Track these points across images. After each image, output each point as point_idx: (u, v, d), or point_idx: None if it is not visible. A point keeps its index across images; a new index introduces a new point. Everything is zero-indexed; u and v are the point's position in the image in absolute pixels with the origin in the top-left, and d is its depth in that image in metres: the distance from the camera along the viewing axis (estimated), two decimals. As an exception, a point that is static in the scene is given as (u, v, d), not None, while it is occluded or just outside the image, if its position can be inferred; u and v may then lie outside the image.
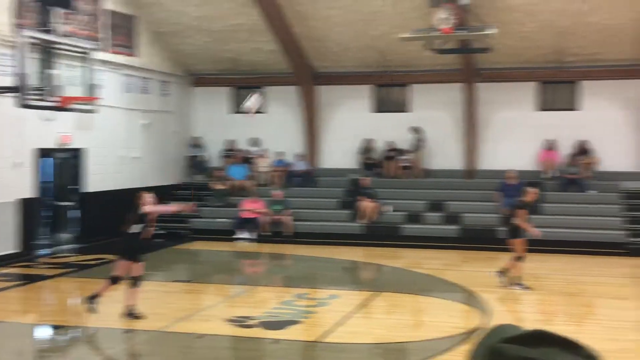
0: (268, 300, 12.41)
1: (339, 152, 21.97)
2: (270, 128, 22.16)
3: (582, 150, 19.95)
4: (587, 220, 18.35)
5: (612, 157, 19.93)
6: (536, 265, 15.31)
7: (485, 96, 20.83)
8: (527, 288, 12.79)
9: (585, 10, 17.83)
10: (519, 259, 12.86)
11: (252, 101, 14.94)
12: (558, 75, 20.25)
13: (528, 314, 11.76)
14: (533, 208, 13.43)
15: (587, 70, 19.91)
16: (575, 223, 18.22)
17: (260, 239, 18.96)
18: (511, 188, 19.12)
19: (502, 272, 13.01)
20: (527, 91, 20.73)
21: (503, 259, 13.49)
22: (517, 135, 20.62)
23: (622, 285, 14.00)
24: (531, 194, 13.13)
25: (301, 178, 21.37)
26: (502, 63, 20.18)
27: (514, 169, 19.35)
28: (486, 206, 19.29)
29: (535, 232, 13.03)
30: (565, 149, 20.16)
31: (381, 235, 19.01)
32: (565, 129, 20.21)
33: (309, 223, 19.51)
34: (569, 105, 20.62)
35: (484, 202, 19.44)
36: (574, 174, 19.47)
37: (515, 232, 12.96)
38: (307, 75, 21.76)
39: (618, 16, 17.92)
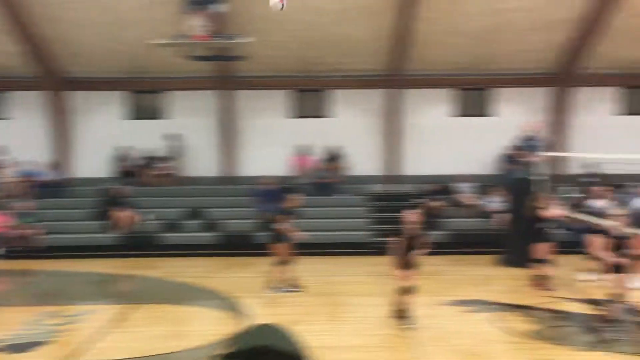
0: (13, 321, 11.52)
1: (93, 161, 21.07)
2: (16, 136, 20.68)
3: (333, 156, 21.02)
4: (338, 223, 19.37)
5: (359, 162, 21.23)
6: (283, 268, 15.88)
7: (242, 103, 21.17)
8: (297, 290, 13.29)
9: (329, 22, 18.82)
10: (282, 263, 13.26)
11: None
12: (309, 83, 21.16)
13: (286, 315, 12.10)
14: (296, 213, 13.89)
15: (334, 79, 21.02)
16: (329, 225, 19.12)
17: (8, 255, 17.58)
18: (268, 193, 19.62)
19: (270, 280, 13.34)
20: (282, 99, 21.41)
21: (263, 264, 13.79)
22: (273, 141, 21.21)
23: (367, 282, 14.92)
24: (294, 199, 13.61)
25: (51, 188, 20.15)
26: (257, 71, 20.64)
27: (270, 175, 19.88)
28: (245, 212, 19.59)
29: (300, 236, 13.49)
30: (317, 155, 21.09)
31: (139, 245, 18.55)
32: (316, 135, 21.15)
33: (61, 236, 18.48)
34: (320, 112, 21.62)
35: (242, 208, 19.72)
36: (326, 179, 20.44)
37: (279, 237, 13.33)
38: (56, 80, 20.62)
39: (359, 29, 19.15)
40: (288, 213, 13.56)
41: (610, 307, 9.75)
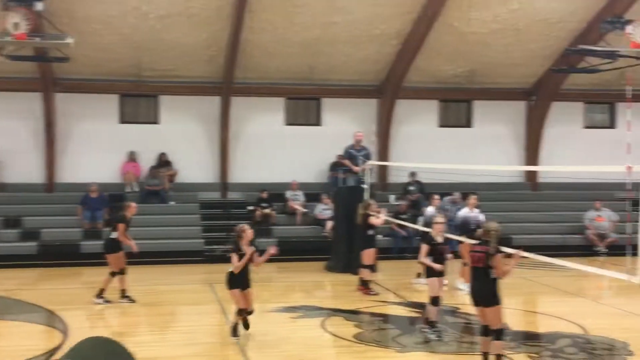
0: None
1: None
2: None
3: (163, 163, 20.62)
4: (169, 231, 19.02)
5: (190, 169, 20.99)
6: (116, 277, 15.36)
7: (66, 107, 20.24)
8: (130, 301, 12.82)
9: (159, 28, 18.51)
10: (115, 273, 12.77)
11: None
12: (138, 88, 20.63)
13: (109, 327, 11.69)
14: (130, 221, 13.39)
15: (165, 85, 20.65)
16: (157, 234, 18.72)
17: None
18: (93, 201, 18.94)
19: (100, 292, 12.76)
20: (109, 103, 20.68)
21: (89, 274, 13.25)
22: (100, 147, 20.44)
23: (198, 291, 14.78)
24: (131, 208, 13.17)
25: None
26: (82, 74, 19.84)
27: (96, 182, 19.16)
28: (67, 220, 18.76)
29: (133, 246, 13.07)
30: (146, 162, 20.59)
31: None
32: (146, 141, 20.66)
33: None
34: (150, 118, 21.13)
35: (65, 217, 18.87)
36: (156, 186, 20.01)
37: (112, 246, 12.84)
38: None
39: (191, 36, 18.98)
40: (124, 221, 13.04)
41: (431, 310, 10.29)
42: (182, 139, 20.91)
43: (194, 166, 21.05)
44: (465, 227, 13.74)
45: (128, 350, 1.58)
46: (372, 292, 13.79)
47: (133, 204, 13.46)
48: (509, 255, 8.75)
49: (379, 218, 14.07)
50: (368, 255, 14.05)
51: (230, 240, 10.23)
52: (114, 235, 12.92)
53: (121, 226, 12.93)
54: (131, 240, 13.12)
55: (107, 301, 12.78)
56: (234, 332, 10.13)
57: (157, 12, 18.07)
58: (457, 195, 17.90)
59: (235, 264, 9.96)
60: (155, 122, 21.08)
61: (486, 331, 8.37)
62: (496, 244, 8.26)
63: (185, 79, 20.59)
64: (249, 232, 10.13)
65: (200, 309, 12.84)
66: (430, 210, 15.77)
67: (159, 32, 18.70)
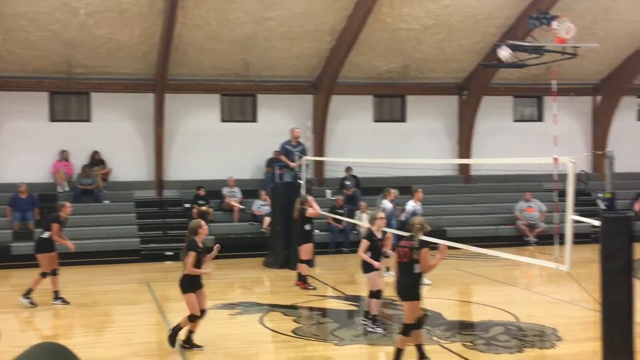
0: None
1: None
2: None
3: (96, 161, 20.26)
4: (103, 230, 18.72)
5: (124, 167, 20.68)
6: (50, 279, 15.07)
7: (-7, 105, 19.68)
8: (65, 302, 12.58)
9: (90, 24, 18.17)
10: (45, 274, 12.53)
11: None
12: (69, 86, 20.19)
13: (43, 330, 11.47)
14: (65, 221, 13.10)
15: (97, 82, 20.28)
16: (91, 233, 18.42)
17: None
18: (23, 202, 18.50)
19: (28, 293, 12.44)
20: (39, 101, 20.19)
21: (17, 276, 12.94)
22: (30, 146, 19.92)
23: (134, 290, 14.63)
24: (66, 208, 12.91)
25: None
26: (9, 71, 19.35)
27: (25, 182, 18.71)
28: (-3, 222, 18.27)
29: (70, 246, 12.86)
30: (79, 160, 20.19)
31: None
32: (78, 140, 20.27)
33: None
34: (82, 116, 20.73)
35: (-6, 218, 18.37)
36: (89, 185, 19.65)
37: (43, 246, 12.60)
38: None
39: (123, 32, 18.70)
40: (59, 222, 12.76)
41: (372, 303, 10.42)
42: (115, 137, 20.58)
43: (129, 164, 20.75)
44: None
45: (77, 357, 1.61)
46: (310, 287, 13.88)
47: (67, 204, 13.19)
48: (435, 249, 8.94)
49: (313, 212, 14.09)
50: (305, 250, 14.13)
51: (185, 238, 9.46)
52: (46, 235, 12.66)
53: (55, 226, 12.66)
54: (67, 240, 12.88)
55: (33, 303, 12.42)
56: (189, 343, 9.44)
57: (88, 7, 17.75)
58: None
59: (190, 266, 9.12)
60: (87, 120, 20.68)
61: (417, 322, 8.47)
62: (420, 238, 8.35)
63: (117, 75, 20.25)
64: (205, 227, 9.46)
65: (137, 309, 12.72)
66: (411, 204, 15.64)
67: (89, 28, 18.36)
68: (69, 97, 20.80)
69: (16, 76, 19.59)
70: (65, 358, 1.49)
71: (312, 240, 14.53)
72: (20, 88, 19.81)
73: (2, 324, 11.14)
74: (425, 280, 13.72)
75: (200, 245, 9.35)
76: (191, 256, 9.13)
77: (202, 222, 9.53)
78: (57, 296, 12.69)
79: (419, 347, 8.49)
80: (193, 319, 9.35)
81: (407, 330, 8.27)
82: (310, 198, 14.44)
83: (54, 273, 12.69)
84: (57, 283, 12.74)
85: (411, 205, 14.70)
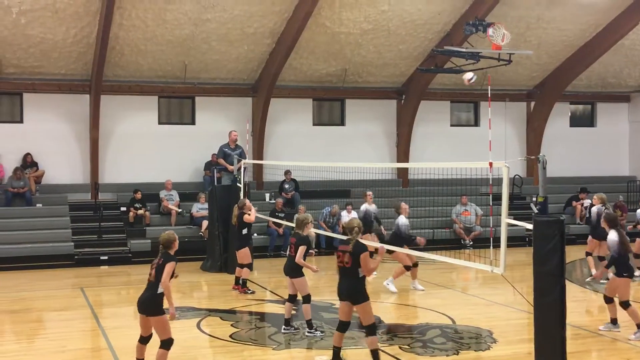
0: None
1: None
2: None
3: (28, 163, 19.72)
4: (36, 234, 18.24)
5: (58, 170, 20.19)
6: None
7: None
8: None
9: (23, 23, 17.70)
10: None
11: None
12: (2, 86, 19.63)
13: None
14: None
15: (30, 82, 19.75)
16: (23, 238, 17.95)
17: None
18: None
19: None
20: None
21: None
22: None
23: (68, 296, 14.28)
24: None
25: None
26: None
27: (-46, 185, 18.09)
28: None
29: None
30: (10, 163, 19.62)
31: None
32: (10, 141, 19.72)
33: None
34: (14, 117, 20.18)
35: None
36: (21, 188, 19.10)
37: None
38: None
39: (57, 32, 18.27)
40: None
41: (304, 309, 10.41)
42: (49, 139, 20.08)
43: (63, 167, 20.27)
44: (366, 220, 14.78)
45: None
46: (248, 291, 13.78)
47: None
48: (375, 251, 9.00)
49: (251, 216, 14.04)
50: (244, 254, 14.02)
51: (159, 250, 8.38)
52: None
53: None
54: None
55: None
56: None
57: (21, 6, 17.28)
58: (336, 207, 19.28)
59: (166, 283, 8.02)
60: (19, 121, 20.12)
61: (342, 326, 8.62)
62: (359, 240, 8.44)
63: (51, 76, 19.77)
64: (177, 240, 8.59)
65: (70, 314, 12.40)
66: (365, 206, 16.21)
67: (22, 27, 17.87)
68: (0, 97, 20.20)
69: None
70: None
71: (249, 245, 14.44)
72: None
73: None
74: (418, 286, 13.90)
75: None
76: (170, 269, 8.12)
77: (175, 236, 8.58)
78: None
79: (337, 350, 8.69)
80: (169, 344, 8.09)
81: (373, 330, 8.41)
82: (248, 203, 14.34)
83: None
84: None
85: (365, 205, 15.67)
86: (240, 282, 13.92)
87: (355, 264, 8.29)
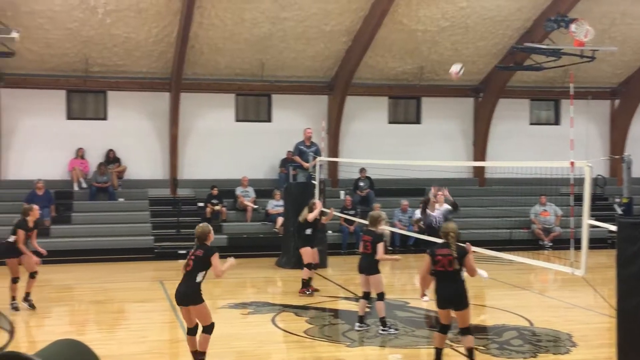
0: None
1: None
2: None
3: (112, 159, 20.35)
4: (118, 228, 18.80)
5: (139, 166, 20.76)
6: (64, 276, 15.19)
7: (11, 103, 19.83)
8: (32, 307, 11.97)
9: (108, 23, 18.26)
10: (15, 280, 11.85)
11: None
12: (86, 84, 20.31)
13: (57, 326, 11.52)
14: (38, 227, 12.54)
15: (113, 80, 20.37)
16: (106, 231, 18.52)
17: None
18: (39, 198, 18.58)
19: (13, 299, 11.92)
20: (56, 99, 20.31)
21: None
22: (47, 144, 20.07)
23: (148, 288, 14.66)
24: (34, 211, 12.17)
25: None
26: (27, 69, 19.48)
27: (42, 179, 18.80)
28: (13, 218, 18.27)
29: (40, 250, 12.22)
30: (95, 158, 20.30)
31: None
32: (94, 138, 20.38)
33: None
34: (98, 114, 20.85)
35: (10, 214, 18.40)
36: (104, 183, 19.74)
37: (7, 251, 11.86)
38: None
39: (140, 31, 18.77)
40: (22, 227, 11.88)
41: (378, 307, 10.38)
42: (131, 135, 20.67)
43: (143, 162, 20.83)
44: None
45: (94, 353, 1.67)
46: (307, 292, 13.40)
47: (35, 208, 12.37)
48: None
49: (312, 214, 13.66)
50: (303, 252, 13.78)
51: (195, 243, 8.54)
52: (11, 239, 11.86)
53: (20, 233, 11.80)
54: (28, 252, 11.96)
55: (32, 306, 11.97)
56: None
57: (106, 6, 17.83)
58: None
59: (221, 271, 8.42)
60: (103, 118, 20.78)
61: (444, 329, 8.36)
62: (457, 244, 8.20)
63: (134, 74, 20.34)
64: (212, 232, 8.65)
65: (150, 306, 12.74)
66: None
67: (107, 27, 18.44)
68: (86, 96, 20.91)
69: (34, 74, 19.72)
70: (83, 354, 1.52)
71: (312, 244, 13.91)
72: (38, 86, 19.94)
73: (17, 319, 11.22)
74: (483, 273, 13.16)
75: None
76: (218, 256, 8.35)
77: (210, 227, 8.67)
78: (26, 297, 11.99)
79: (439, 351, 8.48)
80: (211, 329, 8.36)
81: (469, 330, 8.30)
82: (318, 203, 14.19)
83: (31, 276, 11.99)
84: (31, 285, 12.06)
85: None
86: (303, 282, 13.53)
87: (458, 268, 8.11)
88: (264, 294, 14.25)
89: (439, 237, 8.86)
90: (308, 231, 13.86)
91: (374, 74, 21.59)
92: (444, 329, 8.39)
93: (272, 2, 18.43)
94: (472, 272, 8.31)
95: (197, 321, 8.43)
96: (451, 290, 8.15)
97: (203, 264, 8.35)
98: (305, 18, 19.09)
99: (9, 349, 9.46)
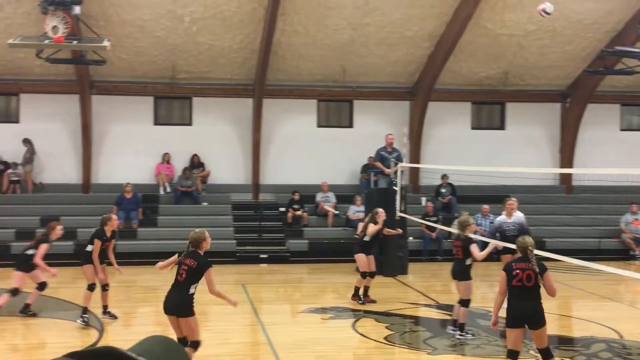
0: None
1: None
2: None
3: (196, 164, 20.80)
4: (201, 231, 19.13)
5: (222, 171, 21.14)
6: (150, 277, 15.57)
7: (101, 109, 20.54)
8: (113, 317, 11.87)
9: (194, 31, 18.70)
10: (91, 287, 11.50)
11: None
12: (173, 90, 20.84)
13: (143, 326, 11.83)
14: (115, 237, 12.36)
15: (198, 87, 20.83)
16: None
17: None
18: (128, 201, 19.17)
19: (105, 308, 11.85)
20: (144, 105, 20.93)
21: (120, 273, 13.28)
22: (135, 148, 20.69)
23: (230, 291, 14.76)
24: (112, 221, 11.64)
25: None
26: (117, 76, 20.13)
27: (130, 183, 19.39)
28: (103, 220, 18.97)
29: (101, 277, 11.52)
30: (180, 163, 20.80)
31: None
32: (180, 143, 20.87)
33: None
34: (183, 120, 21.35)
35: (100, 217, 19.03)
36: (188, 187, 20.19)
37: (86, 258, 11.52)
38: None
39: (225, 39, 19.14)
40: (99, 237, 11.46)
41: (461, 311, 10.24)
42: (214, 141, 21.08)
43: (226, 167, 21.20)
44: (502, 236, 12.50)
45: (185, 351, 1.73)
46: (359, 301, 12.98)
47: (114, 217, 11.91)
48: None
49: (375, 226, 13.13)
50: (359, 260, 13.39)
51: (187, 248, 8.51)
52: (89, 248, 11.53)
53: (97, 243, 11.37)
54: (98, 265, 11.43)
55: (113, 316, 11.87)
56: None
57: (192, 15, 18.26)
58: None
59: (215, 290, 8.41)
60: (188, 124, 21.28)
61: (514, 355, 7.72)
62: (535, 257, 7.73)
63: (218, 81, 20.75)
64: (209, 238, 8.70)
65: (232, 309, 12.80)
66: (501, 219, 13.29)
67: (193, 35, 18.88)
68: (172, 102, 21.46)
69: (124, 81, 20.39)
70: (172, 350, 1.56)
71: (367, 251, 13.35)
72: (128, 92, 20.60)
73: (105, 320, 11.57)
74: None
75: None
76: (211, 274, 8.34)
77: (207, 234, 8.65)
78: (105, 311, 11.84)
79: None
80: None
81: (550, 354, 7.80)
82: (381, 214, 13.34)
83: (103, 289, 11.65)
84: (106, 298, 11.75)
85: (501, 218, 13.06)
86: (355, 289, 13.21)
87: (537, 284, 7.59)
88: (344, 299, 14.22)
89: (513, 246, 8.49)
90: (366, 237, 13.30)
91: (457, 79, 21.32)
92: (513, 355, 7.68)
93: (354, 8, 18.46)
94: (552, 292, 7.75)
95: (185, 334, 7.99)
96: (529, 307, 7.57)
97: (196, 276, 8.07)
98: (388, 24, 19.03)
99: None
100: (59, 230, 11.91)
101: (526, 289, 7.58)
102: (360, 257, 13.34)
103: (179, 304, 8.04)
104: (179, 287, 8.09)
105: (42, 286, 12.03)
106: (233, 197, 20.78)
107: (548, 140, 22.55)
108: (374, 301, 13.06)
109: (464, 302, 10.24)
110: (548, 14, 13.75)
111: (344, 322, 11.48)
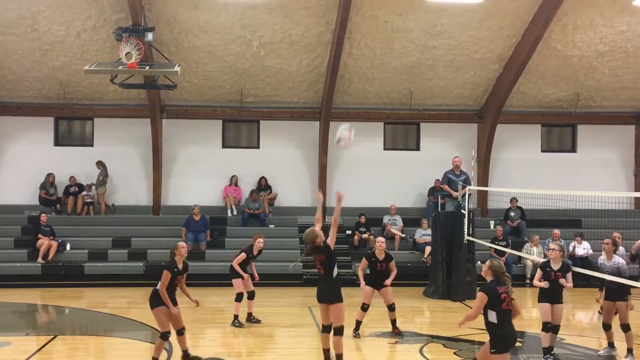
0: None
1: (16, 187, 20.49)
2: None
3: (263, 186, 21.01)
4: (268, 254, 19.21)
5: (289, 193, 21.29)
6: (218, 298, 15.75)
7: (172, 132, 21.01)
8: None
9: (262, 55, 18.98)
10: (164, 336, 9.98)
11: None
12: (241, 114, 21.17)
13: (210, 347, 11.94)
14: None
15: (266, 110, 21.10)
16: (257, 257, 18.96)
17: None
18: (196, 223, 19.46)
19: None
20: (213, 128, 21.31)
21: (194, 294, 13.47)
22: (203, 171, 21.08)
23: (296, 314, 14.90)
24: (180, 249, 10.20)
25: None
26: (187, 100, 20.59)
27: (198, 205, 19.70)
28: (172, 242, 19.20)
29: (174, 311, 10.00)
30: (247, 185, 21.05)
31: (62, 274, 18.10)
32: (247, 165, 21.14)
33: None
34: (251, 143, 21.63)
35: (170, 238, 19.41)
36: (256, 209, 20.39)
37: (155, 299, 9.98)
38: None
39: (292, 63, 19.36)
40: (170, 269, 9.98)
41: (543, 336, 10.04)
42: (281, 163, 21.27)
43: (293, 190, 21.35)
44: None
45: None
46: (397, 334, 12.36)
47: (180, 244, 10.29)
48: None
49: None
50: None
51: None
52: (158, 285, 9.89)
53: (166, 275, 9.79)
54: (170, 303, 9.88)
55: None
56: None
57: (261, 39, 18.55)
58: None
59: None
60: (256, 147, 21.54)
61: None
62: None
63: (285, 104, 20.98)
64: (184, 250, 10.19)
65: (298, 332, 12.94)
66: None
67: (261, 59, 19.17)
68: (240, 125, 21.77)
69: (193, 105, 20.84)
70: None
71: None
72: (197, 116, 21.02)
73: (173, 340, 11.72)
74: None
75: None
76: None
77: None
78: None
79: None
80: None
81: None
82: (379, 241, 13.37)
83: (179, 333, 10.11)
84: (184, 342, 10.31)
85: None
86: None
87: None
88: (411, 323, 14.09)
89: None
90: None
91: (526, 101, 21.00)
92: None
93: (421, 31, 18.44)
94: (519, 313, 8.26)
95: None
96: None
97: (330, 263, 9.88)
98: (455, 46, 18.93)
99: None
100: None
101: (509, 313, 8.13)
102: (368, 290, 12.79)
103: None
104: (324, 278, 9.75)
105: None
106: (300, 219, 20.87)
107: (621, 163, 21.94)
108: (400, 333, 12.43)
109: (556, 328, 10.27)
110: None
111: (412, 347, 11.36)
